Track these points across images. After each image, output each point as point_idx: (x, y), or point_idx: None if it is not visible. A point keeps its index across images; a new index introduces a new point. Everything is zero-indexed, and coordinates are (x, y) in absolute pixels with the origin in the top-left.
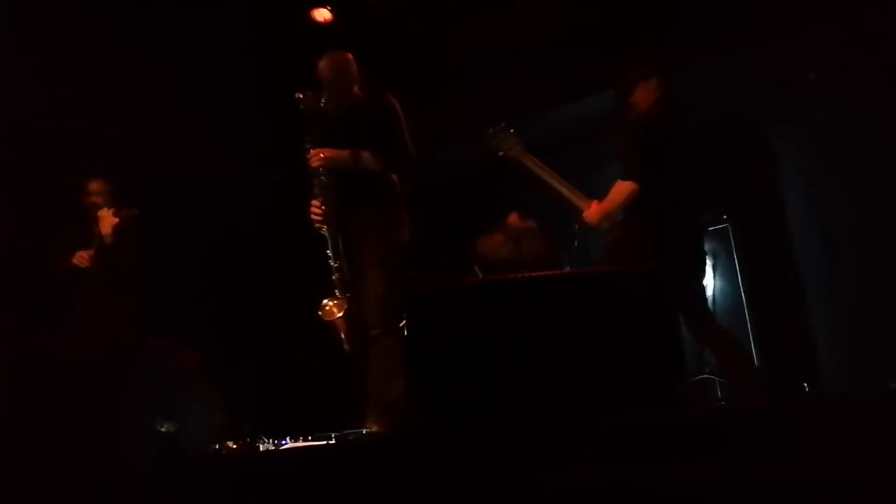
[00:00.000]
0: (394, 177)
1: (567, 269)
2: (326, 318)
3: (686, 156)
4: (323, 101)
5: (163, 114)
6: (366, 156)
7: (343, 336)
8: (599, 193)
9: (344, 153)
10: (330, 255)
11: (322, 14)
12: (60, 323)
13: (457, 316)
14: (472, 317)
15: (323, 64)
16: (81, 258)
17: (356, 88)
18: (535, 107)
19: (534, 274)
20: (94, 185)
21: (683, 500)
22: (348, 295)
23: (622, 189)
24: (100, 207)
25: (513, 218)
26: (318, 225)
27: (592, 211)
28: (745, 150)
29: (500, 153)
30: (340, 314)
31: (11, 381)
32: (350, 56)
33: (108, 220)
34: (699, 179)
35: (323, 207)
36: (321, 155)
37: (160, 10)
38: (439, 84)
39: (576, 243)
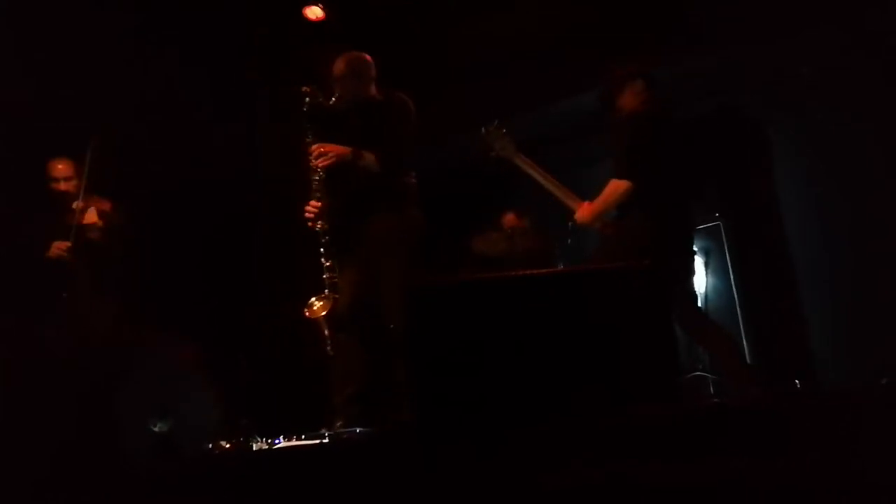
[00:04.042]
0: (412, 177)
1: (562, 267)
2: (312, 316)
3: (679, 153)
4: (334, 98)
5: (161, 113)
6: (368, 155)
7: (327, 335)
8: (597, 188)
9: (345, 149)
10: (322, 253)
11: (314, 12)
12: (58, 321)
13: (455, 314)
14: (470, 315)
15: (339, 62)
16: (59, 250)
17: (373, 90)
18: (534, 106)
19: (532, 272)
20: (61, 168)
21: (683, 499)
22: (336, 295)
23: (614, 187)
24: (71, 196)
25: (508, 216)
26: (310, 223)
27: (584, 211)
28: (743, 149)
29: (492, 153)
30: (325, 313)
31: (11, 381)
32: (368, 58)
33: (91, 218)
34: (694, 177)
35: (318, 205)
36: (322, 150)
37: (160, 10)
38: (439, 83)
39: (569, 241)
